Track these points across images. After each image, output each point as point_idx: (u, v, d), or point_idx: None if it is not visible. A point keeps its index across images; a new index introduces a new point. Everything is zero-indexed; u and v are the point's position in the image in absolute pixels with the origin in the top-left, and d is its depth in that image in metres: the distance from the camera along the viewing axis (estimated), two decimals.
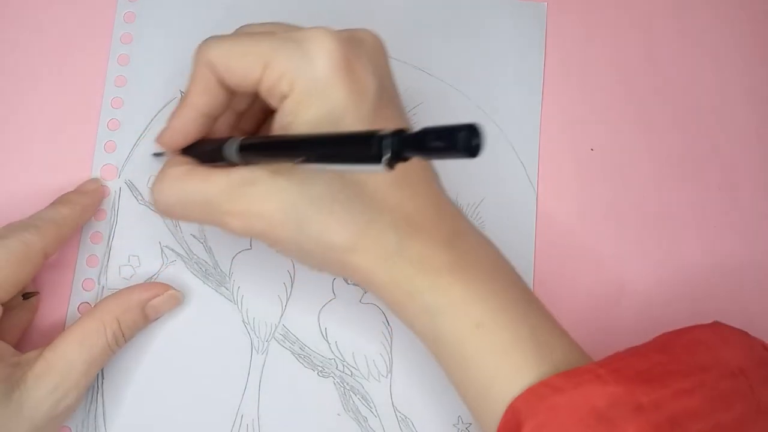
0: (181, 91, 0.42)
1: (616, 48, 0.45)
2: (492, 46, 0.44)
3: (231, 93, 0.35)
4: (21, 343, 0.38)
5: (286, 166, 0.32)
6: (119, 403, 0.39)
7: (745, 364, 0.32)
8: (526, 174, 0.43)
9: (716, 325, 0.35)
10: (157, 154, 0.41)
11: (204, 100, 0.34)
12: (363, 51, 0.33)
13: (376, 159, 0.25)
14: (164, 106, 0.42)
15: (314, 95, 0.32)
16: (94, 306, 0.37)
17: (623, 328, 0.42)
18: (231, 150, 0.33)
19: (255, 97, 0.37)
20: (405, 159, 0.25)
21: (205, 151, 0.36)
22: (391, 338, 0.40)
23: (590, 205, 0.43)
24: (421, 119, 0.42)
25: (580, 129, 0.44)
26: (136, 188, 0.41)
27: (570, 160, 0.43)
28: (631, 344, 0.34)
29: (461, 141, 0.23)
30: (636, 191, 0.43)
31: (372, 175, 0.33)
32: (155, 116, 0.42)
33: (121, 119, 0.42)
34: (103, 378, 0.39)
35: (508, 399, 0.31)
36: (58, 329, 0.39)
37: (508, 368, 0.32)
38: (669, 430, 0.29)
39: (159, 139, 0.36)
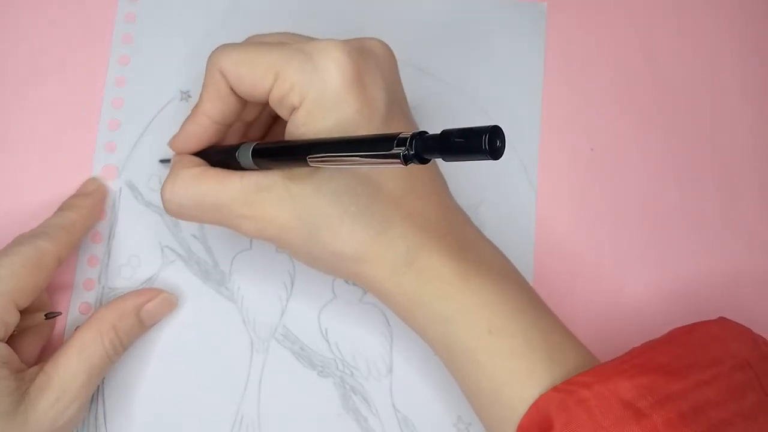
0: (182, 91, 0.42)
1: (616, 48, 0.45)
2: (492, 46, 0.44)
3: (243, 101, 0.35)
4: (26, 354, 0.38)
5: (300, 174, 0.33)
6: (120, 403, 0.39)
7: (751, 357, 0.33)
8: (526, 174, 0.43)
9: (722, 321, 0.35)
10: (164, 161, 0.41)
11: (217, 108, 0.35)
12: (373, 63, 0.33)
13: (395, 156, 0.26)
14: (164, 107, 0.42)
15: (325, 108, 0.32)
16: (90, 316, 0.37)
17: (622, 328, 0.42)
18: (245, 154, 0.33)
19: (264, 107, 0.37)
20: (425, 161, 0.25)
21: (215, 154, 0.36)
22: (391, 338, 0.40)
23: (590, 205, 0.43)
24: (421, 119, 0.42)
25: (580, 129, 0.44)
26: (136, 188, 0.41)
27: (570, 160, 0.43)
28: (630, 344, 0.34)
29: (486, 143, 0.23)
30: (636, 191, 0.43)
31: (384, 186, 0.33)
32: (155, 116, 0.42)
33: (121, 119, 0.42)
34: (103, 378, 0.39)
35: (526, 398, 0.32)
36: (59, 329, 0.39)
37: (522, 372, 0.32)
38: (694, 418, 0.29)
39: (171, 144, 0.36)
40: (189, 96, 0.42)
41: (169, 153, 0.40)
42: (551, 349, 0.33)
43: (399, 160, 0.25)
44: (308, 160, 0.29)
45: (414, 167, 0.35)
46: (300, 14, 0.43)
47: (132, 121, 0.42)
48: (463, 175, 0.39)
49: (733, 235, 0.43)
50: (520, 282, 0.35)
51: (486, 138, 0.23)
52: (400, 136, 0.25)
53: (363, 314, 0.41)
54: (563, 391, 0.31)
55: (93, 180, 0.41)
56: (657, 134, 0.44)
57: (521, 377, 0.32)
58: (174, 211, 0.35)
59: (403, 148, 0.25)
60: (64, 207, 0.39)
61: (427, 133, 0.25)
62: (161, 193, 0.35)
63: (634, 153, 0.44)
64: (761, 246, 0.43)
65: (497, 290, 0.33)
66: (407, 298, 0.34)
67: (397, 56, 0.35)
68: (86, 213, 0.39)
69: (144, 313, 0.38)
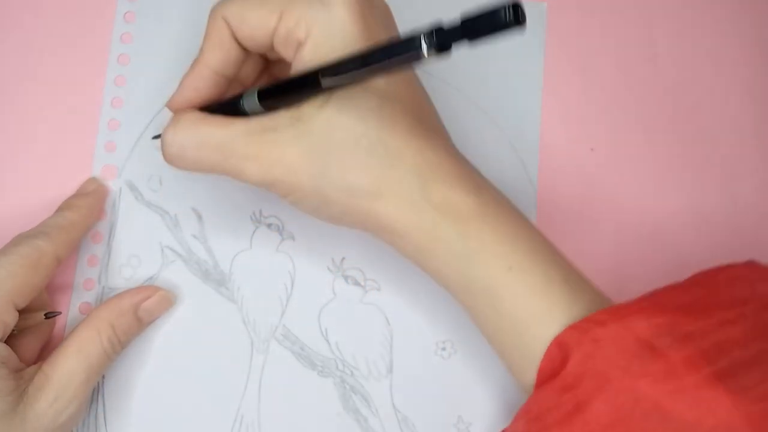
0: None
1: (616, 48, 0.45)
2: (492, 46, 0.44)
3: (244, 51, 0.35)
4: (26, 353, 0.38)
5: (308, 111, 0.32)
6: (120, 403, 0.39)
7: None
8: (526, 174, 0.43)
9: (751, 263, 0.35)
10: (157, 137, 0.41)
11: (217, 57, 0.34)
12: (376, 9, 0.34)
13: (417, 49, 0.26)
14: (164, 106, 0.42)
15: (332, 41, 0.32)
16: (88, 315, 0.37)
17: None
18: (251, 96, 0.33)
19: (263, 66, 0.37)
20: (448, 50, 0.26)
21: (215, 109, 0.35)
22: (391, 338, 0.40)
23: (590, 205, 0.43)
24: None
25: (580, 129, 0.44)
26: (136, 188, 0.41)
27: (570, 160, 0.43)
28: None
29: (510, 15, 0.24)
30: (636, 191, 0.43)
31: (393, 120, 0.33)
32: (155, 116, 0.42)
33: (121, 119, 0.42)
34: (103, 378, 0.39)
35: (546, 338, 0.31)
36: (59, 329, 0.39)
37: (543, 309, 0.32)
38: (716, 356, 0.29)
39: (170, 102, 0.36)
40: None
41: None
42: (570, 288, 0.32)
43: (422, 53, 0.26)
44: (321, 79, 0.29)
45: (422, 102, 0.35)
46: None
47: (132, 121, 0.42)
48: None
49: (733, 235, 0.43)
50: (532, 225, 0.35)
51: (509, 10, 0.24)
52: (417, 32, 0.26)
53: (363, 314, 0.41)
54: (579, 328, 0.31)
55: (93, 180, 0.41)
56: (657, 134, 0.44)
57: (541, 316, 0.32)
58: (174, 155, 0.34)
59: (425, 37, 0.26)
60: (64, 207, 0.39)
61: (442, 25, 0.26)
62: (162, 137, 0.34)
63: (634, 153, 0.44)
64: (761, 243, 0.43)
65: (514, 228, 0.33)
66: (424, 236, 0.33)
67: None
68: (86, 213, 0.39)
69: (142, 311, 0.38)
